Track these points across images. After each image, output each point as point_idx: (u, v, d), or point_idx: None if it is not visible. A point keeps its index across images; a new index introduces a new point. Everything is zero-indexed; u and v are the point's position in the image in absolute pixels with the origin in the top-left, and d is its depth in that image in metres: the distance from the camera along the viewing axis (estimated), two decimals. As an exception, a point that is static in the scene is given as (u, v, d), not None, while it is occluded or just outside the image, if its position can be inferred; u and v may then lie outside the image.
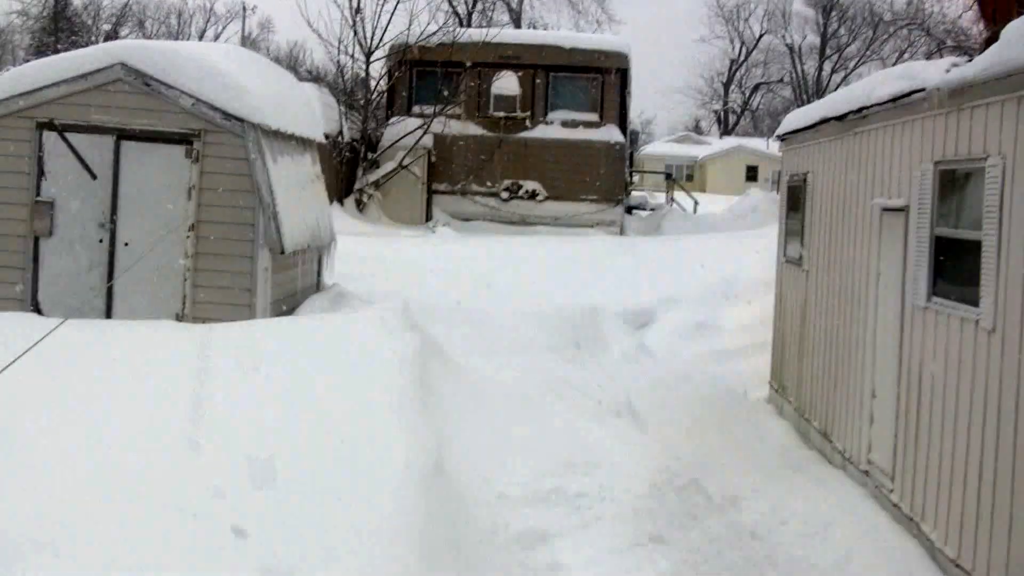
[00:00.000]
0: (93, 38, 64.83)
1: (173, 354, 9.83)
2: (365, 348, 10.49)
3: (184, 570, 6.28)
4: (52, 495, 6.81)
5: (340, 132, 29.45)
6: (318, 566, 6.56)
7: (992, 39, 8.05)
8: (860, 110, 10.32)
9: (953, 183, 8.29)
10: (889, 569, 8.15)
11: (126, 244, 12.84)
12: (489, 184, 31.44)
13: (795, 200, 13.70)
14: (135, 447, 7.69)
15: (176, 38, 76.12)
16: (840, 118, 11.14)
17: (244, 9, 73.66)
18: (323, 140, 17.17)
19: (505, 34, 33.36)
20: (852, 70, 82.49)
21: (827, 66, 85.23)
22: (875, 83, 10.22)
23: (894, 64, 68.79)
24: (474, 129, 31.61)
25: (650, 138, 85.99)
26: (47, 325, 8.86)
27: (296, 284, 14.51)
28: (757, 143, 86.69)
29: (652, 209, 38.38)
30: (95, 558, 6.20)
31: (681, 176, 74.16)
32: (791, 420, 13.18)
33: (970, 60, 8.11)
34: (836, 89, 78.99)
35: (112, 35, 68.04)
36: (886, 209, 9.69)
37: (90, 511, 6.68)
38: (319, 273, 15.89)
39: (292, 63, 58.88)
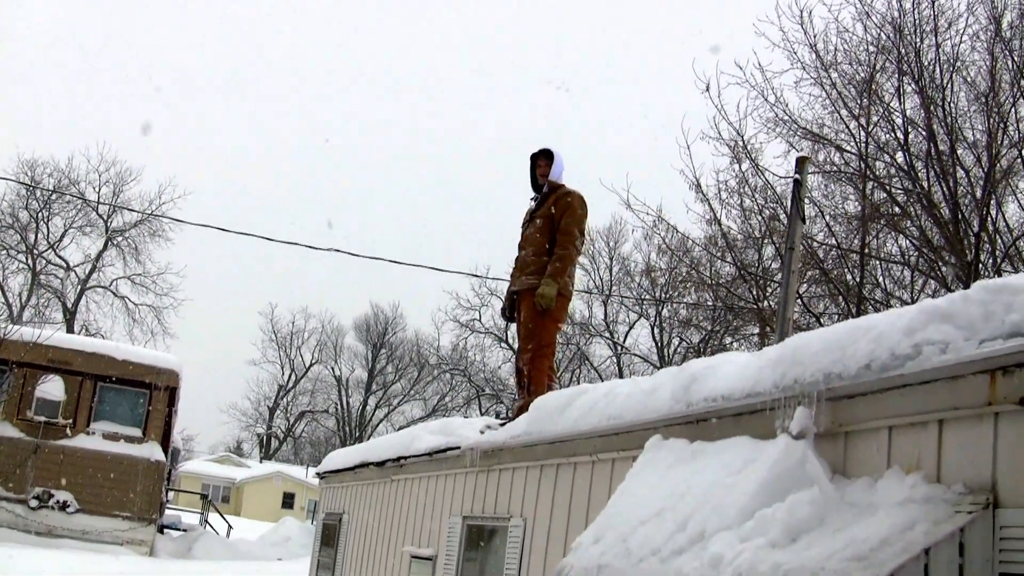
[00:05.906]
0: None
1: None
2: None
3: None
4: None
5: None
6: None
7: (524, 408, 8.53)
8: (399, 459, 10.81)
9: (480, 538, 8.80)
10: None
11: None
12: (19, 490, 29.45)
13: (329, 537, 13.88)
14: None
15: None
16: (379, 464, 11.59)
17: None
18: None
19: (58, 337, 32.20)
20: (395, 407, 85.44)
21: (372, 400, 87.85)
22: (416, 433, 10.79)
23: (436, 403, 72.39)
24: (11, 431, 29.82)
25: (191, 455, 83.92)
26: None
27: None
28: (297, 470, 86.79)
29: (185, 529, 37.20)
30: None
31: (218, 497, 72.61)
32: None
33: (503, 425, 8.75)
34: (379, 423, 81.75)
35: None
36: (415, 557, 10.07)
37: None
38: None
39: None
